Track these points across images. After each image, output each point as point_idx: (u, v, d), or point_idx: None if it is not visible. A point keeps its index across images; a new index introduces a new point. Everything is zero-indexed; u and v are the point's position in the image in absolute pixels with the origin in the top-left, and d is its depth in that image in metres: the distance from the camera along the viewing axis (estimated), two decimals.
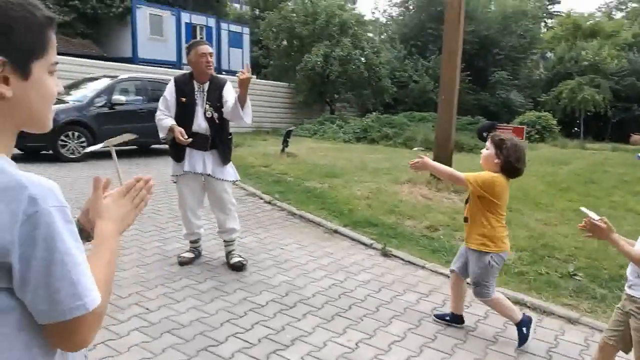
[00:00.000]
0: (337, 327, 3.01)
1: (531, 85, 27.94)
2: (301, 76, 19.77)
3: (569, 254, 4.58)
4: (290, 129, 12.16)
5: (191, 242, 4.15)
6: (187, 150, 3.80)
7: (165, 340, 2.74)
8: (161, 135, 3.83)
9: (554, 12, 40.65)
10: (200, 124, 3.79)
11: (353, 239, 4.89)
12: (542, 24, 37.69)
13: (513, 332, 2.94)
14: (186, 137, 3.66)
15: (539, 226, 5.57)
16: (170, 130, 3.70)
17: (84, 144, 8.92)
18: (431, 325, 3.13)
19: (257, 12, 31.12)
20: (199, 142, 3.78)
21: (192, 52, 3.72)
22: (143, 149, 10.66)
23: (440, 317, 3.16)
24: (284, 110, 20.91)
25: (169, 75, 13.40)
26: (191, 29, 24.05)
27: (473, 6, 24.94)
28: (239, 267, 3.89)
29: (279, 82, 21.53)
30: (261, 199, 6.58)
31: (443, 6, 24.94)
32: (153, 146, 10.71)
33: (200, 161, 3.83)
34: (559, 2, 42.21)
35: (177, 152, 3.86)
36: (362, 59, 19.70)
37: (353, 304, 3.37)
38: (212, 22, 25.23)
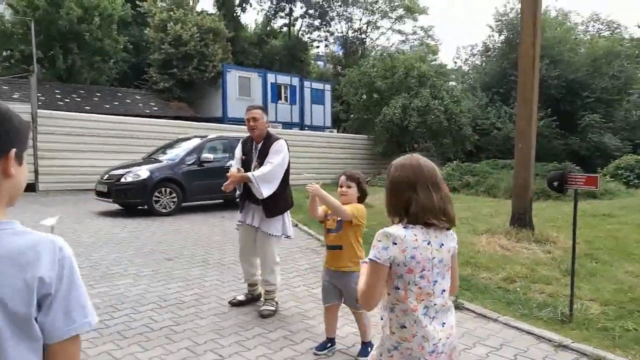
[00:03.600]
0: None
1: (630, 128, 26.12)
2: (380, 128, 20.13)
3: None
4: (368, 179, 12.34)
5: (248, 285, 4.50)
6: (246, 202, 4.27)
7: None
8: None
9: None
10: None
11: None
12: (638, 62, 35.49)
13: None
14: (236, 175, 4.09)
15: (629, 279, 5.16)
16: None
17: (175, 200, 9.70)
18: None
19: (338, 69, 32.49)
20: (253, 196, 4.13)
21: (246, 116, 4.20)
22: (228, 202, 11.33)
23: (323, 347, 3.43)
24: (363, 161, 21.27)
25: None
26: (276, 88, 25.61)
27: (558, 50, 24.25)
28: (263, 315, 4.12)
29: (357, 135, 22.07)
30: None
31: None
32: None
33: (251, 213, 4.24)
34: None
35: (240, 202, 4.35)
36: (442, 108, 19.71)
37: None
38: (295, 81, 26.72)
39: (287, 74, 26.89)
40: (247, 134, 4.32)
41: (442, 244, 1.78)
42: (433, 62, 25.04)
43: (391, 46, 34.66)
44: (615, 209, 10.12)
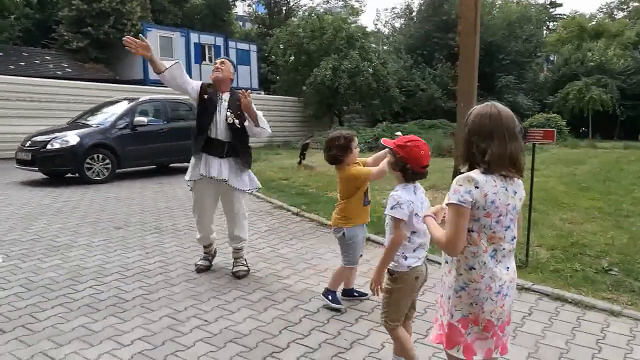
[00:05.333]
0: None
1: (538, 88, 28.08)
2: (310, 90, 20.02)
3: (599, 251, 4.69)
4: (307, 141, 12.34)
5: (205, 247, 4.35)
6: (204, 156, 3.96)
7: (231, 349, 2.87)
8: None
9: (557, 15, 40.88)
10: (219, 130, 3.95)
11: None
12: (545, 27, 37.94)
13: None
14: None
15: (565, 225, 5.67)
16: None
17: (108, 166, 9.14)
18: None
19: (263, 29, 31.60)
20: (215, 148, 3.95)
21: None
22: (162, 167, 10.89)
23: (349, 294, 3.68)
24: (294, 124, 21.17)
25: (182, 95, 13.69)
26: (200, 48, 24.47)
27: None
28: (238, 276, 4.09)
29: (288, 97, 21.83)
30: (289, 211, 6.73)
31: (448, 16, 25.45)
32: (172, 165, 10.95)
33: (216, 167, 3.96)
34: (560, 5, 42.44)
35: (196, 145, 4.01)
36: (370, 70, 19.93)
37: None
38: (220, 41, 25.65)
39: (211, 34, 25.74)
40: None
41: (516, 192, 1.85)
42: (357, 25, 25.04)
43: (316, 7, 34.22)
44: (536, 163, 10.94)
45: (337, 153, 3.30)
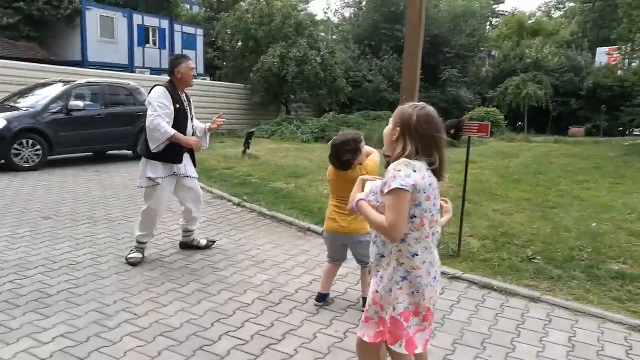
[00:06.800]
0: (324, 320, 3.17)
1: (479, 83, 29.05)
2: (257, 77, 19.73)
3: (526, 240, 4.94)
4: (252, 130, 12.20)
5: (143, 242, 4.26)
6: (183, 156, 4.20)
7: (160, 343, 2.81)
8: (161, 140, 3.92)
9: (499, 11, 42.37)
10: (189, 129, 4.20)
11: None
12: (488, 23, 39.28)
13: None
14: (197, 141, 4.19)
15: (497, 216, 5.93)
16: (178, 139, 3.98)
17: (39, 153, 8.66)
18: None
19: (210, 13, 30.79)
20: (186, 148, 4.20)
21: (183, 65, 4.07)
22: (100, 155, 10.45)
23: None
24: (240, 112, 20.83)
25: (123, 79, 13.17)
26: (144, 31, 23.56)
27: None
28: (212, 244, 4.63)
29: (234, 84, 21.45)
30: (230, 201, 6.64)
31: (396, 7, 25.75)
32: (110, 152, 10.53)
33: (187, 164, 4.27)
34: (503, 2, 44.02)
35: (176, 155, 4.10)
36: (319, 59, 19.90)
37: (336, 297, 3.54)
38: (165, 24, 24.82)
39: (156, 16, 24.82)
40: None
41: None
42: (307, 12, 24.93)
43: None
44: (474, 156, 11.29)
45: (350, 158, 3.09)
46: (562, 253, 4.54)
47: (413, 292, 1.90)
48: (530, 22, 34.77)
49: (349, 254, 3.42)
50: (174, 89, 4.08)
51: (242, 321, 3.11)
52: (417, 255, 1.88)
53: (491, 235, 5.05)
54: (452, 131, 4.17)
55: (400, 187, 1.75)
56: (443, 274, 4.01)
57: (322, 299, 3.40)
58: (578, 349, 2.93)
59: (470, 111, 22.47)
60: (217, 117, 4.29)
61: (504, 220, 5.75)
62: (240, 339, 2.88)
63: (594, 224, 5.58)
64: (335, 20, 36.52)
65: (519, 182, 8.30)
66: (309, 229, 5.28)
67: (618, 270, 4.14)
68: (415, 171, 1.79)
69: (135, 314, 3.17)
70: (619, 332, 3.17)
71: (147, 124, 3.91)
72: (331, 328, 3.07)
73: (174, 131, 3.93)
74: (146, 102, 4.10)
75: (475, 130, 4.31)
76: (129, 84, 10.67)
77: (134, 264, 4.09)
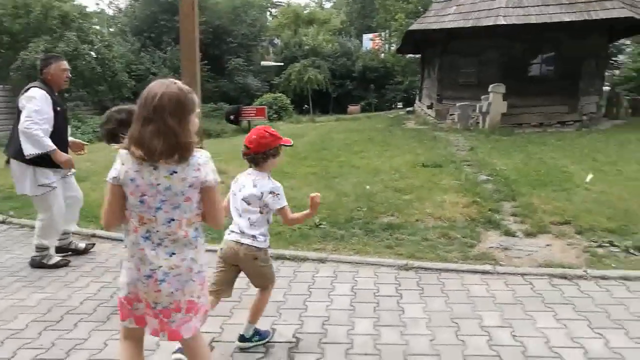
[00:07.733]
0: (115, 326, 2.94)
1: (265, 70, 30.20)
2: (19, 75, 17.15)
3: None
4: None
5: (48, 247, 4.00)
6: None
7: None
8: (36, 151, 3.63)
9: (277, 2, 44.46)
10: (69, 132, 4.20)
11: (114, 239, 4.69)
12: (268, 13, 40.98)
13: None
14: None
15: (288, 192, 6.22)
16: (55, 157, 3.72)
17: None
18: None
19: None
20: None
21: (53, 66, 3.86)
22: None
23: None
24: (1, 116, 17.81)
25: None
26: None
27: None
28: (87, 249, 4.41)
29: None
30: None
31: None
32: None
33: None
34: None
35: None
36: (93, 53, 18.23)
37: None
38: None
39: None
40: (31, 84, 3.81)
41: (175, 172, 1.76)
42: (74, 4, 22.40)
43: None
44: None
45: (114, 127, 2.82)
46: (344, 215, 5.05)
47: (128, 283, 1.90)
48: (305, 12, 37.32)
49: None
50: (51, 90, 3.83)
51: (12, 350, 2.69)
52: (126, 246, 1.91)
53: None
54: (232, 117, 4.24)
55: (107, 179, 1.81)
56: None
57: None
58: (359, 295, 3.30)
59: (259, 98, 23.30)
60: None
61: (294, 195, 6.10)
62: None
63: (368, 187, 6.33)
64: (110, 12, 33.74)
65: (305, 159, 8.91)
66: (94, 235, 4.83)
67: (388, 222, 4.79)
68: (123, 163, 1.80)
69: None
70: (390, 273, 3.67)
71: (22, 128, 3.59)
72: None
73: (53, 147, 3.68)
74: (19, 104, 3.70)
75: (254, 114, 4.48)
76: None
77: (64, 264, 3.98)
